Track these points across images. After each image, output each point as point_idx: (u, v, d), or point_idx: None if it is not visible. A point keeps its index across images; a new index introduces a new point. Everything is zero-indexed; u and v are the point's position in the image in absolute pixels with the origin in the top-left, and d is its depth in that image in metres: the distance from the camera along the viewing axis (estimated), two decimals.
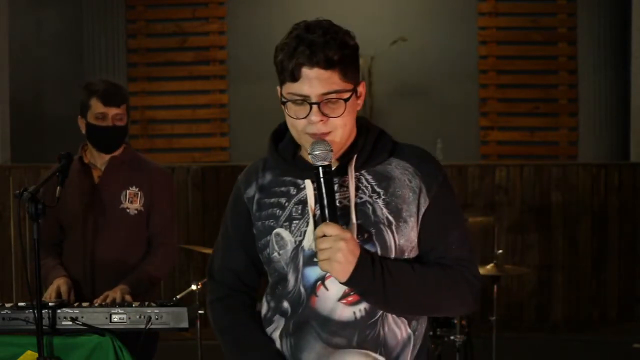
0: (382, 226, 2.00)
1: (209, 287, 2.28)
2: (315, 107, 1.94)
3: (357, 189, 2.02)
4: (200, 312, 4.02)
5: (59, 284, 3.48)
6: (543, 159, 8.17)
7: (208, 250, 4.72)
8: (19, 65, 7.49)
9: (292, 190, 2.06)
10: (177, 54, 8.73)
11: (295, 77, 1.96)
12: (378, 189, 2.02)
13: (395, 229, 2.00)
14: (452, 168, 6.87)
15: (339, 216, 1.96)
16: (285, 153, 2.11)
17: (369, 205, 2.00)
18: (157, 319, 3.19)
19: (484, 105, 8.67)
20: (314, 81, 1.94)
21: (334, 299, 2.01)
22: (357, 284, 1.94)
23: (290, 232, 2.04)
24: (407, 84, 8.72)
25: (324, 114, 1.95)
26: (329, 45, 1.95)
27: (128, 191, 3.65)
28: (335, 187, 2.00)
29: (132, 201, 3.65)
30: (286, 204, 2.07)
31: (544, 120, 8.59)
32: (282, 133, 2.15)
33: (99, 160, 3.68)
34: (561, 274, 6.86)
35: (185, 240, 6.52)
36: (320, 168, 1.94)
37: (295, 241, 2.03)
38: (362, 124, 2.10)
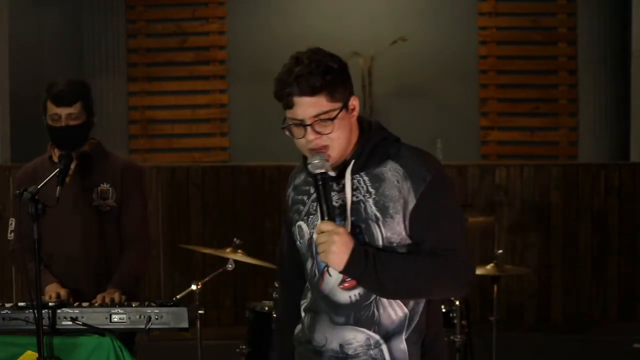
0: (370, 222, 2.34)
1: (277, 269, 2.83)
2: (309, 128, 2.31)
3: (356, 189, 2.37)
4: (200, 312, 4.02)
5: (57, 291, 3.47)
6: (543, 159, 8.17)
7: (208, 250, 4.72)
8: (19, 65, 7.49)
9: (311, 190, 2.43)
10: (177, 54, 8.73)
11: (290, 105, 2.31)
12: (371, 189, 2.36)
13: (383, 224, 2.33)
14: (452, 168, 6.86)
15: (339, 213, 2.34)
16: None
17: (362, 204, 2.35)
18: (157, 319, 3.19)
19: (484, 105, 8.67)
20: (304, 107, 2.30)
21: (334, 284, 2.39)
22: (351, 272, 2.29)
23: (307, 225, 2.45)
24: (407, 84, 8.72)
25: (317, 132, 2.31)
26: (313, 75, 2.27)
27: (99, 188, 3.66)
28: (337, 187, 2.39)
29: (105, 198, 3.66)
30: (306, 200, 2.48)
31: (544, 120, 8.59)
32: None
33: None
34: (561, 274, 6.85)
35: (185, 240, 6.51)
36: (318, 175, 2.30)
37: (310, 232, 2.44)
38: (367, 129, 2.42)
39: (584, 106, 8.51)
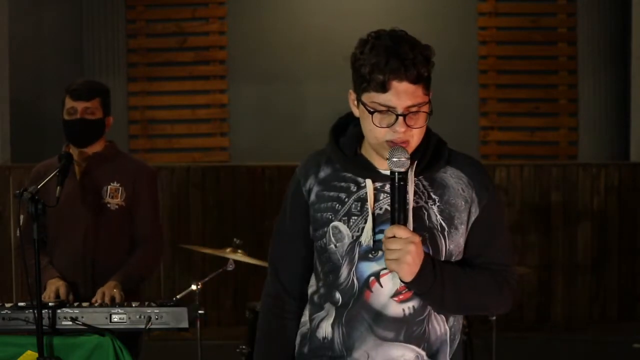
0: (435, 231, 2.14)
1: (267, 278, 2.36)
2: (400, 118, 2.06)
3: (415, 193, 2.14)
4: (200, 312, 4.02)
5: (57, 285, 3.48)
6: (543, 159, 8.17)
7: (208, 250, 4.72)
8: (19, 65, 7.49)
9: (353, 187, 2.17)
10: (177, 54, 8.72)
11: (385, 89, 2.05)
12: (434, 196, 2.16)
13: (447, 235, 2.14)
14: None
15: (385, 220, 2.09)
16: (346, 149, 2.21)
17: (424, 211, 2.13)
18: (157, 319, 3.19)
19: (484, 105, 8.67)
20: (402, 94, 2.06)
21: (387, 296, 2.12)
22: (419, 285, 2.07)
23: (348, 226, 2.15)
24: None
25: (407, 125, 2.07)
26: (419, 61, 2.07)
27: (109, 187, 3.68)
28: (384, 189, 2.13)
29: (113, 196, 3.68)
30: (346, 199, 2.17)
31: (544, 120, 8.59)
32: (341, 128, 2.26)
33: (81, 156, 3.69)
34: (561, 274, 6.86)
35: (185, 240, 6.51)
36: (399, 175, 2.04)
37: (352, 236, 2.14)
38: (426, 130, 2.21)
39: (584, 106, 8.51)
